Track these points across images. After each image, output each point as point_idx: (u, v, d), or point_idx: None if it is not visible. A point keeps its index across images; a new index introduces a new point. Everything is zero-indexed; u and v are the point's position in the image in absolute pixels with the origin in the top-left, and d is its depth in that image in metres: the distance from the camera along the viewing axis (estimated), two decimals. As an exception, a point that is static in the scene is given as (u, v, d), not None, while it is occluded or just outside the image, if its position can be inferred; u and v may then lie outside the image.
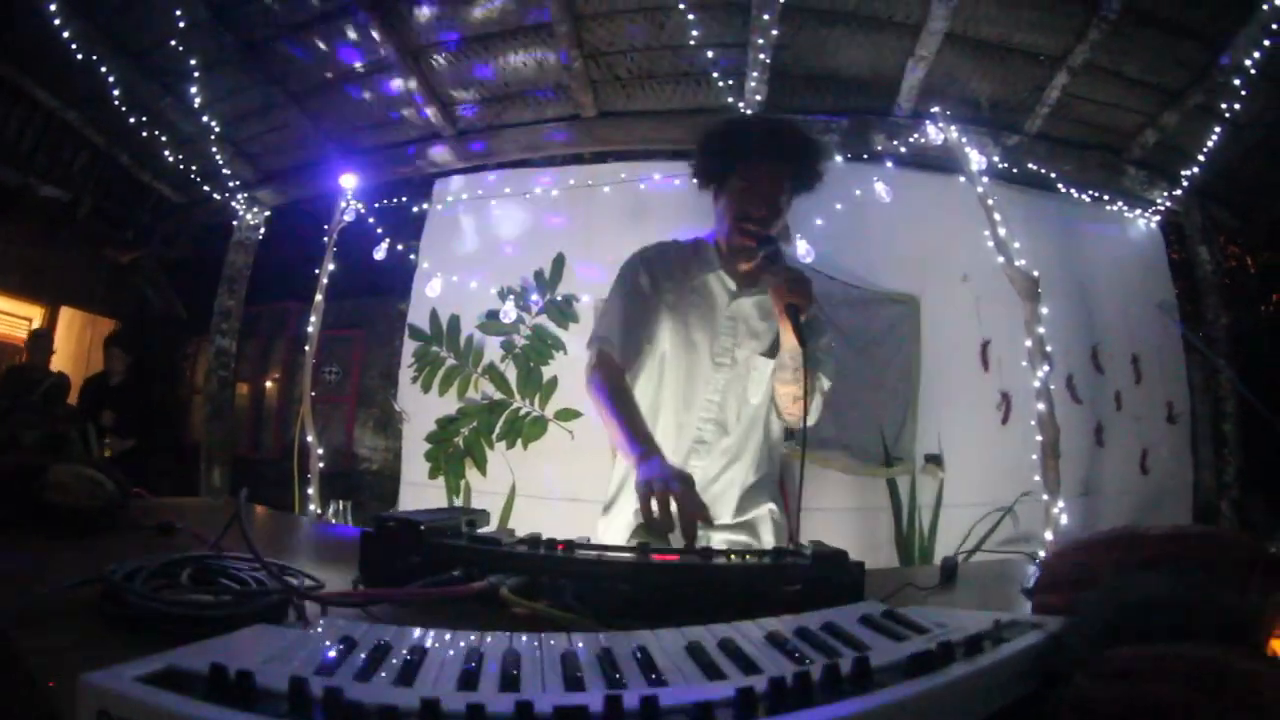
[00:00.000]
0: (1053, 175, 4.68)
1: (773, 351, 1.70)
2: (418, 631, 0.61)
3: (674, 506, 1.24)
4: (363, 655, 0.54)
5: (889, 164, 4.47)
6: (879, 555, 3.81)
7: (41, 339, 5.66)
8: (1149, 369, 4.84)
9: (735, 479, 1.74)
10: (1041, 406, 3.74)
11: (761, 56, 4.13)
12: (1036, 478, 3.78)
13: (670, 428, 1.72)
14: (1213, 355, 4.73)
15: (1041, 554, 3.31)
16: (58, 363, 5.85)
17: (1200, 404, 5.01)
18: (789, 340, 1.58)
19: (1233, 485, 4.77)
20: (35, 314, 6.74)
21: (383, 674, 0.51)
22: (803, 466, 1.68)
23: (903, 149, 4.44)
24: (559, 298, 4.59)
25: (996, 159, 4.45)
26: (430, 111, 4.81)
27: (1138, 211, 5.04)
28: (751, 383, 1.72)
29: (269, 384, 6.19)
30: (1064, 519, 3.64)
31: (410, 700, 0.42)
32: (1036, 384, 3.76)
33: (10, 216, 5.86)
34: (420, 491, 4.62)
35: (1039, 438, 3.76)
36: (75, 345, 6.91)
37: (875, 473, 4.08)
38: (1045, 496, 3.69)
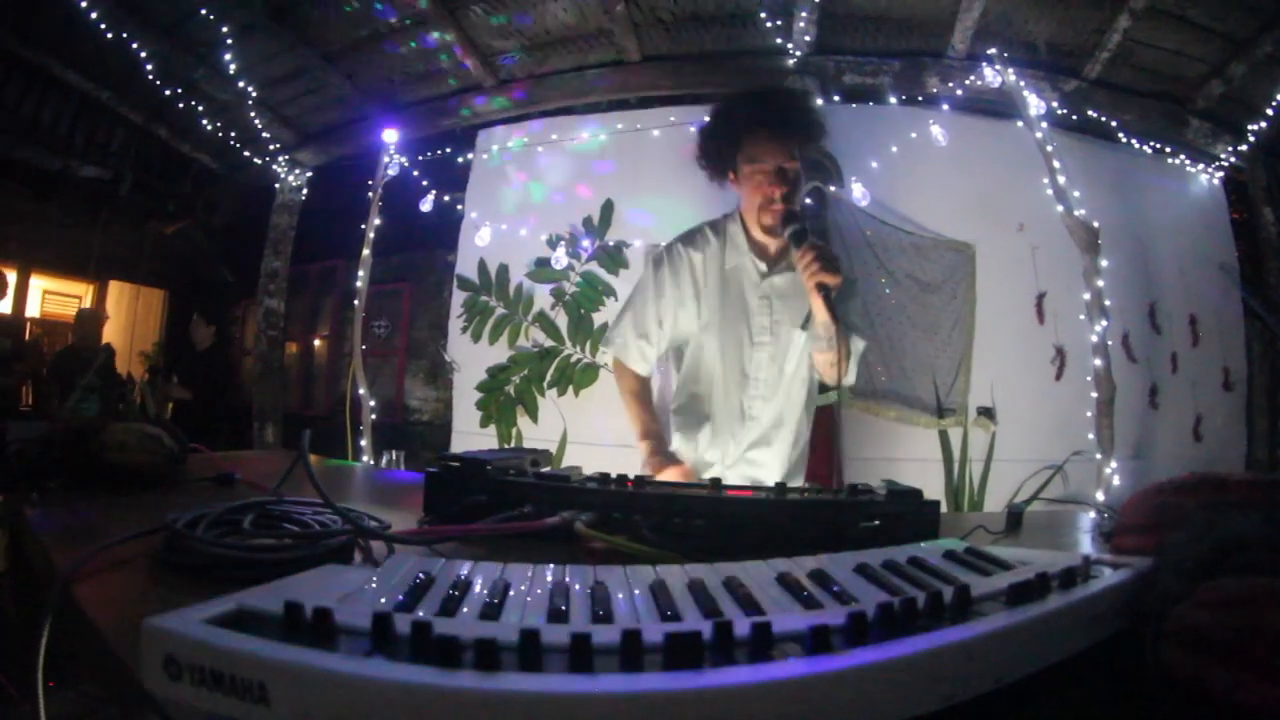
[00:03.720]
0: (1113, 124, 4.49)
1: (806, 322, 1.73)
2: (496, 566, 0.60)
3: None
4: (443, 591, 0.52)
5: (944, 107, 4.33)
6: (929, 507, 3.74)
7: (86, 318, 5.73)
8: (1207, 332, 4.68)
9: (781, 448, 1.82)
10: (1098, 362, 3.63)
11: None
12: (1090, 435, 3.70)
13: (721, 408, 1.80)
14: (1273, 323, 4.54)
15: (1102, 499, 3.27)
16: (108, 335, 5.96)
17: (1258, 373, 4.84)
18: (821, 315, 1.60)
19: (1287, 462, 4.62)
20: (83, 291, 6.92)
21: (466, 610, 0.49)
22: (838, 423, 1.71)
23: (958, 92, 4.29)
24: (610, 244, 4.58)
25: (1055, 104, 4.27)
26: (470, 62, 4.76)
27: (1200, 166, 4.81)
28: (789, 355, 1.79)
29: (318, 341, 6.31)
30: (1116, 480, 3.56)
31: (507, 633, 0.40)
32: (1094, 339, 3.65)
33: (53, 199, 6.00)
34: (471, 440, 4.69)
35: (1094, 394, 3.67)
36: (125, 317, 7.12)
37: (927, 423, 4.03)
38: (1098, 456, 3.61)
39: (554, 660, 0.39)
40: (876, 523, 0.88)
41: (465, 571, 0.58)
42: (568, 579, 0.57)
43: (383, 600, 0.51)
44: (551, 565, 0.61)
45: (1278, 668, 0.42)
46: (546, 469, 1.17)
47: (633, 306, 1.86)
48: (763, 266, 1.79)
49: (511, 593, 0.53)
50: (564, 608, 0.50)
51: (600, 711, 0.35)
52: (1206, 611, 0.47)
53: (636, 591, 0.55)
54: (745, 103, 1.77)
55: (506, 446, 4.47)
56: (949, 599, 0.50)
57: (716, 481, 0.98)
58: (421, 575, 0.56)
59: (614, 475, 0.99)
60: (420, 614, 0.47)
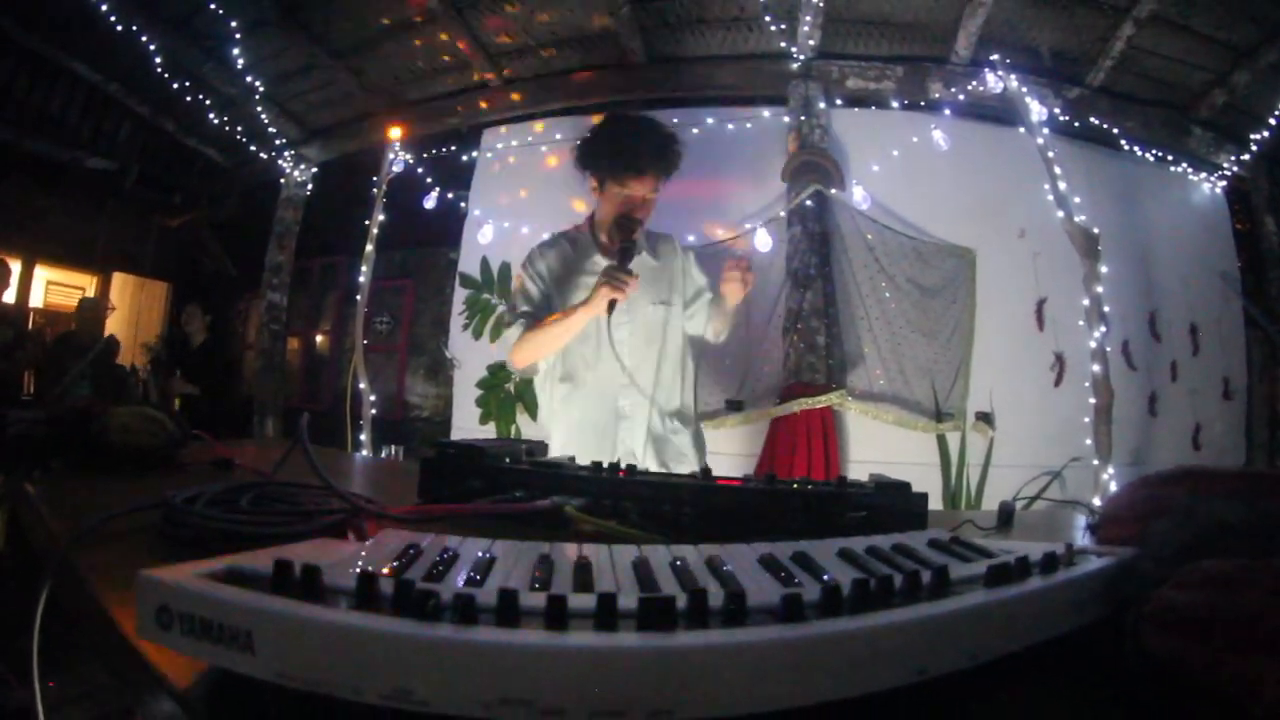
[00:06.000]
0: (1115, 131, 4.50)
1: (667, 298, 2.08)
2: (485, 541, 0.61)
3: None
4: (430, 561, 0.53)
5: (946, 112, 4.35)
6: (926, 510, 3.74)
7: (89, 307, 5.70)
8: (1207, 341, 4.68)
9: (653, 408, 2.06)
10: (1097, 368, 3.64)
11: (815, 0, 4.01)
12: (1088, 441, 3.70)
13: (588, 382, 2.05)
14: (1275, 333, 4.54)
15: (1097, 502, 3.27)
16: (111, 327, 5.96)
17: (1258, 383, 4.84)
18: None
19: (1286, 473, 4.60)
20: (87, 283, 6.92)
21: (451, 578, 0.50)
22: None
23: (960, 97, 4.31)
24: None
25: (1057, 111, 4.28)
26: (476, 61, 4.78)
27: (1202, 175, 4.82)
28: (653, 327, 2.06)
29: (320, 336, 6.32)
30: (1113, 486, 3.56)
31: (487, 596, 0.40)
32: (1092, 344, 3.66)
33: (59, 190, 6.02)
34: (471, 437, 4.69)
35: (1092, 400, 3.67)
36: (128, 310, 7.12)
37: (926, 427, 4.03)
38: (1096, 462, 3.61)
39: (531, 621, 0.39)
40: (864, 514, 0.89)
41: (453, 546, 0.58)
42: (553, 554, 0.58)
43: (369, 567, 0.51)
44: (538, 543, 0.61)
45: (1255, 644, 0.42)
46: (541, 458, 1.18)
47: (527, 291, 2.12)
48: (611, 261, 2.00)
49: (497, 565, 0.54)
50: (546, 579, 0.51)
51: (572, 665, 0.35)
52: (1185, 592, 0.47)
53: (619, 568, 0.55)
54: (644, 139, 1.97)
55: (505, 442, 4.47)
56: (926, 579, 0.50)
57: (706, 470, 0.99)
58: (411, 547, 0.57)
59: (606, 464, 0.99)
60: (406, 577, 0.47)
